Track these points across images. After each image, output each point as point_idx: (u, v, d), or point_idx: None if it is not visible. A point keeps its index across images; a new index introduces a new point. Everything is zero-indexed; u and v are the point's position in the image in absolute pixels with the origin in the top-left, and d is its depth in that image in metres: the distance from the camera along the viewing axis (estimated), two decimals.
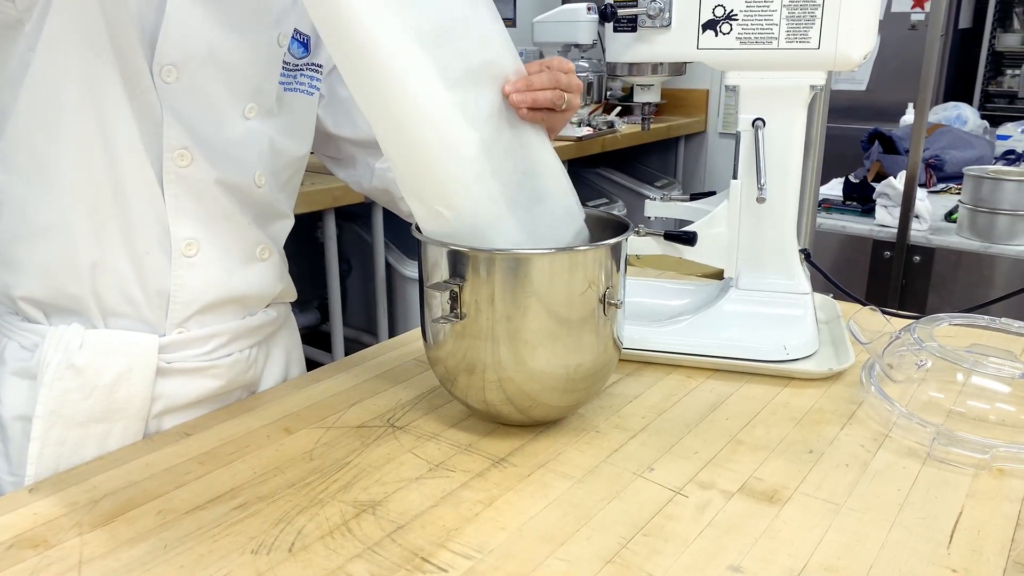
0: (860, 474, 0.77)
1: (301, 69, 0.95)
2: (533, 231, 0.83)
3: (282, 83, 0.92)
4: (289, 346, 1.03)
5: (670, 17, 0.97)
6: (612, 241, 0.80)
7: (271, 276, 0.94)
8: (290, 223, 0.99)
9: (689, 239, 1.05)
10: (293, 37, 0.93)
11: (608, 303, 0.81)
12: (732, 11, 0.96)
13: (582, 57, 3.33)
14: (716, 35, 0.97)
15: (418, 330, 1.11)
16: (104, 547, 0.65)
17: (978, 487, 0.75)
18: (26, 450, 0.81)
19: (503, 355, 0.78)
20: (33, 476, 0.80)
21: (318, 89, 0.97)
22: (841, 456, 0.81)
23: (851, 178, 2.23)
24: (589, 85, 3.30)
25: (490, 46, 0.81)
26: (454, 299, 0.78)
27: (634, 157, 3.67)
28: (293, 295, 1.02)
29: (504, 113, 0.82)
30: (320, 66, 0.97)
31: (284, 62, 0.91)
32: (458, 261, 0.77)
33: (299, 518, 0.69)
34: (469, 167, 0.77)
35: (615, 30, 1.01)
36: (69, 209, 0.79)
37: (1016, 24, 3.70)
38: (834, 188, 2.28)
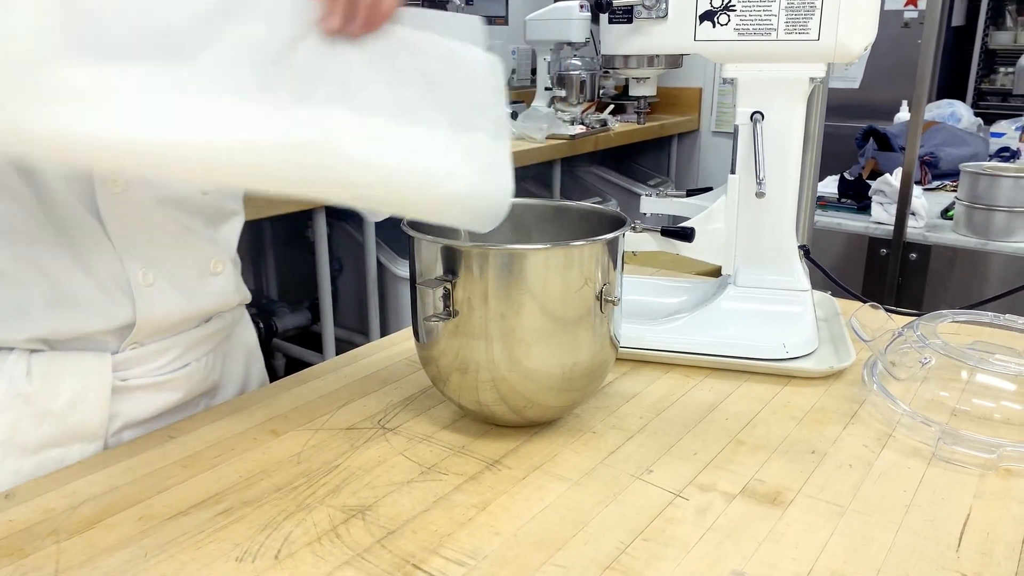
0: (864, 475, 0.75)
1: None
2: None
3: None
4: (248, 343, 0.98)
5: (667, 8, 0.95)
6: (608, 236, 0.78)
7: (228, 288, 0.88)
8: (241, 219, 0.91)
9: (687, 235, 1.03)
10: None
11: (605, 300, 0.78)
12: (730, 2, 0.94)
13: (574, 55, 3.31)
14: (714, 26, 0.95)
15: (409, 330, 1.08)
16: (82, 555, 0.63)
17: (985, 488, 0.73)
18: None
19: (497, 354, 0.76)
20: None
21: None
22: (844, 456, 0.78)
23: (846, 175, 2.22)
24: (582, 83, 3.27)
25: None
26: (447, 296, 0.75)
27: (627, 156, 3.65)
28: (248, 297, 0.95)
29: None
30: None
31: None
32: (451, 257, 0.75)
33: (286, 524, 0.67)
34: None
35: (610, 21, 0.98)
36: (12, 259, 0.73)
37: (1009, 22, 3.70)
38: (829, 186, 2.26)
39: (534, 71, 3.51)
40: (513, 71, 3.65)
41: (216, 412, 0.88)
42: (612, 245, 0.79)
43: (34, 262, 0.73)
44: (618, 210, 0.90)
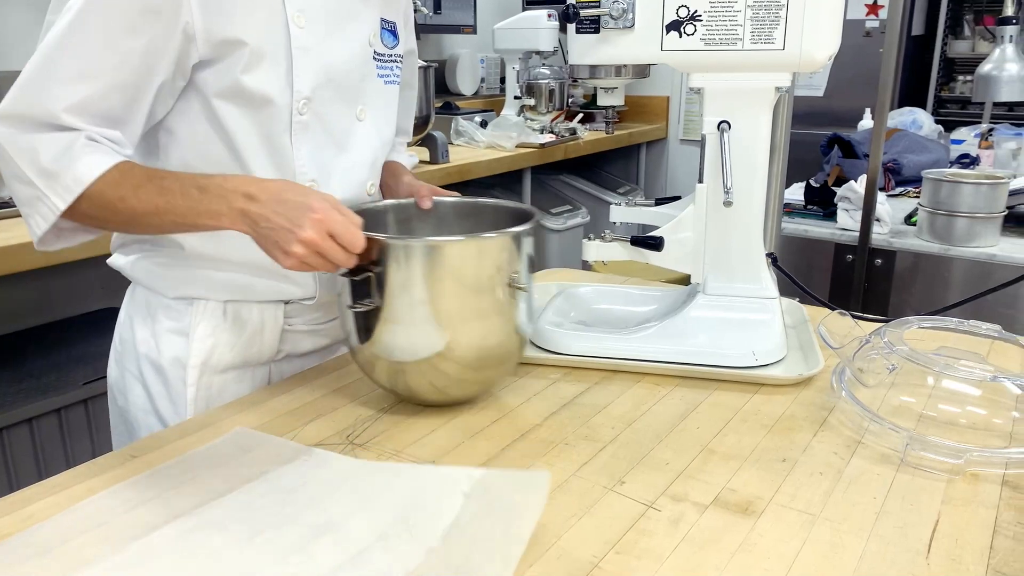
0: (835, 482, 0.75)
1: (395, 60, 1.04)
2: None
3: (380, 76, 1.01)
4: None
5: (633, 18, 0.95)
6: (515, 230, 0.85)
7: None
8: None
9: (655, 244, 1.03)
10: (383, 28, 1.01)
11: (515, 287, 0.86)
12: (696, 12, 0.94)
13: (543, 64, 3.32)
14: (680, 36, 0.95)
15: None
16: None
17: (953, 493, 0.74)
18: (183, 394, 0.96)
19: (417, 338, 0.83)
20: (192, 415, 0.95)
21: (399, 77, 1.06)
22: (815, 464, 0.79)
23: (812, 182, 2.24)
24: (551, 92, 3.28)
25: None
26: (369, 286, 0.83)
27: (596, 164, 3.66)
28: None
29: None
30: (401, 55, 1.06)
31: (377, 54, 1.00)
32: (373, 250, 0.82)
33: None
34: None
35: (578, 31, 0.99)
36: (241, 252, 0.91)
37: (967, 31, 3.78)
38: (795, 192, 2.29)
39: (503, 80, 3.51)
40: (482, 80, 3.65)
41: (183, 428, 0.86)
42: (518, 239, 0.86)
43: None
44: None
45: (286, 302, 1.00)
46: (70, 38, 0.80)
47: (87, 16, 0.80)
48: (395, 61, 1.05)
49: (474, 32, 3.40)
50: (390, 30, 1.03)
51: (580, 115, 3.31)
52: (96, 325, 2.04)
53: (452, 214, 1.04)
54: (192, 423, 0.87)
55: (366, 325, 0.85)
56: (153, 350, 0.98)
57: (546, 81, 3.30)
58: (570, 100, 3.45)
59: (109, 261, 1.01)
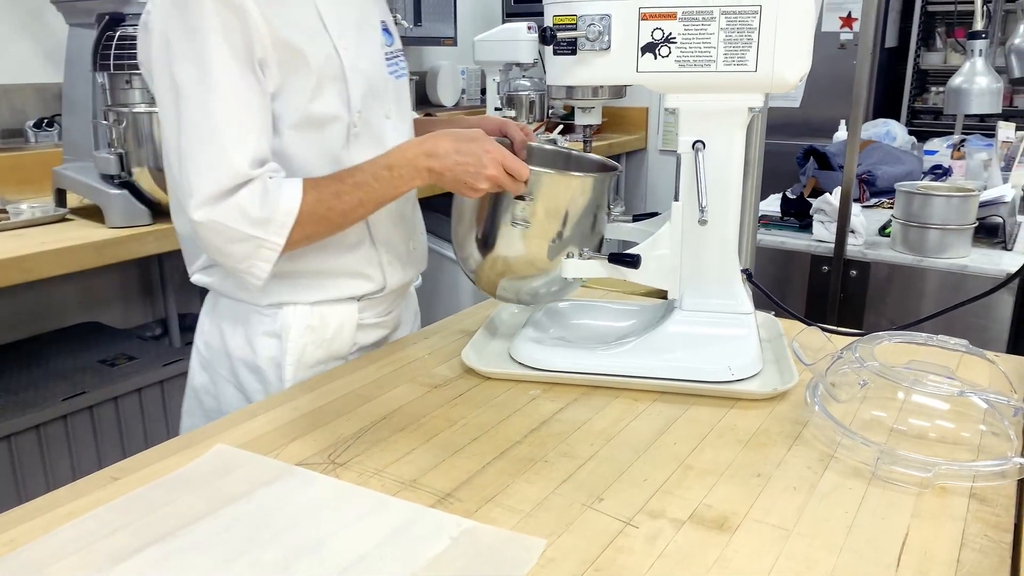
0: (808, 497, 0.77)
1: (397, 56, 1.14)
2: None
3: (391, 72, 1.11)
4: (412, 298, 1.30)
5: (609, 40, 0.97)
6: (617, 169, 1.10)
7: (417, 259, 1.22)
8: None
9: (633, 261, 1.04)
10: (383, 28, 1.12)
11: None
12: (671, 34, 0.96)
13: (523, 76, 3.34)
14: (655, 58, 0.97)
15: (359, 361, 1.08)
16: None
17: (922, 507, 0.75)
18: (281, 390, 1.05)
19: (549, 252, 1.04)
20: None
21: (406, 71, 1.16)
22: (789, 479, 0.80)
23: (788, 194, 2.27)
24: (531, 103, 3.31)
25: None
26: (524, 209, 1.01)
27: None
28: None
29: None
30: (401, 50, 1.16)
31: (386, 53, 1.10)
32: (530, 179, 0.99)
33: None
34: None
35: (555, 53, 1.00)
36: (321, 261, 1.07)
37: (939, 43, 3.85)
38: (772, 204, 2.32)
39: (484, 91, 3.53)
40: (463, 91, 3.67)
41: (165, 449, 0.86)
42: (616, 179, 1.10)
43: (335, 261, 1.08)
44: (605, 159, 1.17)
45: (359, 299, 1.11)
46: (215, 106, 0.90)
47: (214, 83, 0.90)
48: (397, 57, 1.14)
49: (454, 44, 3.42)
50: (385, 29, 1.13)
51: (560, 126, 3.34)
52: (74, 340, 2.03)
53: (539, 158, 1.18)
54: (174, 443, 0.88)
55: (515, 237, 1.03)
56: (249, 353, 1.07)
57: (526, 92, 3.33)
58: (551, 111, 3.48)
59: (194, 280, 1.12)
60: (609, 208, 1.11)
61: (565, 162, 1.19)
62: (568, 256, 1.06)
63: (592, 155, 1.18)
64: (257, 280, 0.97)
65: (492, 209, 1.03)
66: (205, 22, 0.89)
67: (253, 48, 0.92)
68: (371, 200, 0.98)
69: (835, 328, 1.14)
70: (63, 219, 1.84)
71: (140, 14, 1.82)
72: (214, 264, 1.07)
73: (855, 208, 1.97)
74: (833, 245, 1.95)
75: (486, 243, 1.05)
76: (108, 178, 1.79)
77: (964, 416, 0.88)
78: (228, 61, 0.91)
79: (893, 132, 2.83)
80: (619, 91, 1.05)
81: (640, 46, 0.97)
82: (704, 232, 1.02)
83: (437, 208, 1.55)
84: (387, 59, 1.12)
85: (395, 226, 1.14)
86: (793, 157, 2.55)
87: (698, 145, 1.00)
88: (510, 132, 1.20)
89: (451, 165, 0.96)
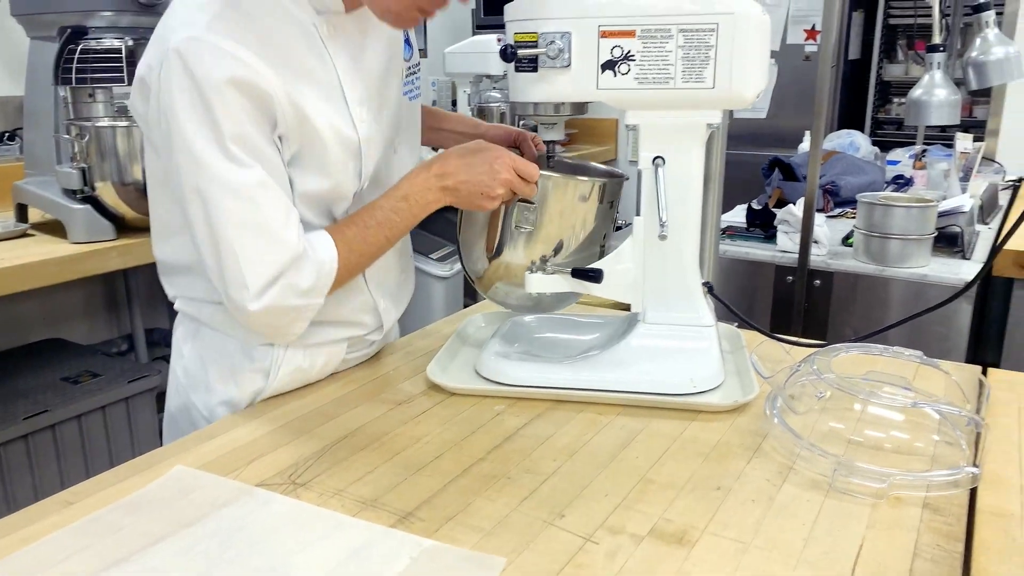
0: (766, 510, 0.78)
1: (414, 72, 1.11)
2: None
3: (406, 93, 1.09)
4: (395, 330, 1.30)
5: (569, 58, 0.98)
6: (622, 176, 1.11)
7: (403, 297, 1.21)
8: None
9: (595, 276, 1.05)
10: (405, 43, 1.08)
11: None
12: (630, 52, 0.97)
13: (494, 88, 3.35)
14: (615, 75, 0.98)
15: (323, 382, 1.09)
16: None
17: (877, 517, 0.77)
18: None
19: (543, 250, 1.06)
20: None
21: (420, 88, 1.13)
22: (748, 491, 0.81)
23: (754, 205, 2.30)
24: (501, 115, 3.32)
25: None
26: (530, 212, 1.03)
27: None
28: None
29: None
30: (418, 63, 1.13)
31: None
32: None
33: None
34: None
35: (516, 70, 1.01)
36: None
37: (900, 55, 3.93)
38: (738, 214, 2.34)
39: (455, 103, 3.54)
40: (434, 102, 3.68)
41: (120, 472, 0.85)
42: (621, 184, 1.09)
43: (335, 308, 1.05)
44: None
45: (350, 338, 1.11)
46: (255, 192, 0.88)
47: (248, 168, 0.88)
48: (414, 73, 1.12)
49: (425, 56, 3.43)
50: (406, 40, 1.09)
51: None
52: (36, 357, 2.00)
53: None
54: (132, 465, 0.87)
55: (522, 242, 1.05)
56: (232, 388, 1.04)
57: (497, 104, 3.34)
58: (521, 123, 3.49)
59: (178, 307, 1.09)
60: (615, 219, 1.11)
61: (571, 171, 1.18)
62: (531, 270, 1.07)
63: (598, 165, 1.20)
64: (293, 336, 0.97)
65: (501, 214, 1.05)
66: (229, 106, 0.86)
67: (276, 126, 0.90)
68: (395, 234, 1.00)
69: (795, 339, 1.16)
70: (24, 234, 1.82)
71: (103, 26, 1.83)
72: (211, 300, 1.02)
73: (819, 218, 1.99)
74: (797, 255, 1.97)
75: (492, 248, 1.07)
76: (70, 193, 1.76)
77: (919, 427, 0.89)
78: (260, 144, 0.89)
79: (857, 143, 2.88)
80: (581, 107, 1.06)
81: (600, 63, 0.98)
82: (665, 246, 1.03)
83: None
84: (404, 77, 1.09)
85: (387, 262, 1.12)
86: (759, 167, 2.59)
87: (658, 161, 1.01)
88: (523, 147, 1.18)
89: (464, 180, 0.97)
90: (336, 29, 0.96)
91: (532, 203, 1.02)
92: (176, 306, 1.09)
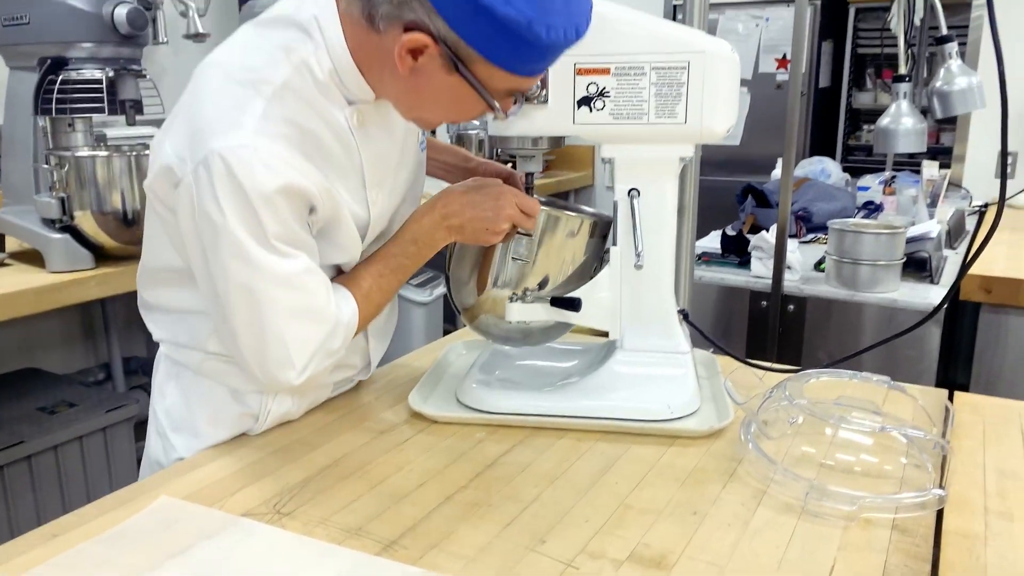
0: (741, 534, 0.80)
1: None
2: None
3: (421, 143, 1.11)
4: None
5: (547, 94, 1.01)
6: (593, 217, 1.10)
7: (388, 330, 1.21)
8: None
9: (574, 305, 1.08)
10: None
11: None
12: (605, 88, 1.01)
13: None
14: (591, 111, 1.01)
15: (310, 410, 1.08)
16: None
17: (848, 539, 0.79)
18: None
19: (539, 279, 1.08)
20: None
21: (426, 133, 1.14)
22: (723, 516, 0.84)
23: (728, 231, 2.35)
24: (481, 143, 3.36)
25: None
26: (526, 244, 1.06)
27: None
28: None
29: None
30: None
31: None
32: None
33: None
34: None
35: None
36: None
37: (869, 84, 4.03)
38: (713, 241, 2.39)
39: (434, 131, 3.57)
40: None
41: (103, 505, 0.85)
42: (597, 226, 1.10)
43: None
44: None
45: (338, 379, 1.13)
46: (304, 277, 0.90)
47: (295, 258, 0.89)
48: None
49: None
50: None
51: (510, 163, 3.40)
52: (11, 387, 1.98)
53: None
54: (116, 497, 0.87)
55: (515, 274, 1.07)
56: (221, 431, 1.02)
57: (476, 131, 3.38)
58: (499, 152, 3.54)
59: (165, 352, 1.07)
60: (603, 256, 1.10)
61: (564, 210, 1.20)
62: (512, 299, 1.09)
63: (586, 207, 1.19)
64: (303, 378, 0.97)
65: (497, 247, 1.07)
66: (278, 213, 0.86)
67: (313, 211, 0.92)
68: (407, 277, 1.03)
69: (768, 365, 1.18)
70: (1, 264, 1.81)
71: (83, 57, 1.84)
72: (199, 348, 1.01)
73: (791, 244, 2.04)
74: (771, 281, 2.01)
75: (486, 280, 1.09)
76: (49, 222, 1.77)
77: (887, 450, 0.92)
78: (301, 235, 0.90)
79: (828, 169, 2.94)
80: (558, 141, 1.09)
81: (576, 99, 1.01)
82: (642, 275, 1.06)
83: None
84: (421, 135, 1.11)
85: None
86: (734, 194, 2.64)
87: (633, 192, 1.04)
88: (514, 182, 1.17)
89: (470, 218, 0.99)
90: (364, 117, 0.96)
91: (530, 234, 1.05)
92: (161, 349, 1.09)
